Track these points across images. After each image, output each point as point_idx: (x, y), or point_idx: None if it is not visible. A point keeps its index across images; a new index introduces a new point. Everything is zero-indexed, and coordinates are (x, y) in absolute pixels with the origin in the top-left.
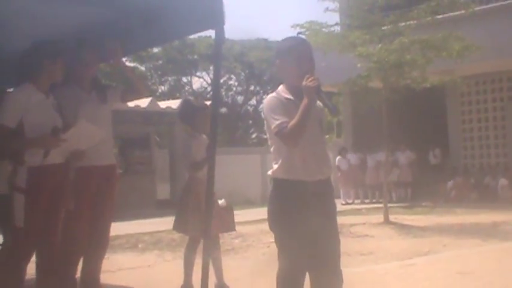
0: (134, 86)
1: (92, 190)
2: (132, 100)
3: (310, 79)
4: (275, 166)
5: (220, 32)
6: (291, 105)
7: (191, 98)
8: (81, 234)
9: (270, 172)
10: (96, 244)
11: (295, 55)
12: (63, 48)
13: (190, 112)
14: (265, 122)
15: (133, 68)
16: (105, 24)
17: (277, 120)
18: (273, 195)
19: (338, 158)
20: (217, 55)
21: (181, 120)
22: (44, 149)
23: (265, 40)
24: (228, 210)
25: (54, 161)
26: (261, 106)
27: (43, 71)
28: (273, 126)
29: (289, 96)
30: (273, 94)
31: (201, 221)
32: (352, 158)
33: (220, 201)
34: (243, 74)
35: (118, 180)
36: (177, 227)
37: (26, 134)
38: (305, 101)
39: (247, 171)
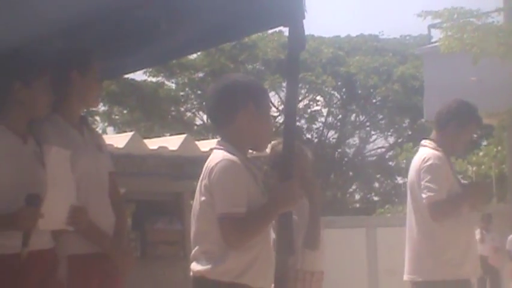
0: None
1: None
2: None
3: None
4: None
5: (296, 30)
6: None
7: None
8: None
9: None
10: None
11: None
12: (45, 62)
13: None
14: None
15: None
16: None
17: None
18: None
19: None
20: (292, 66)
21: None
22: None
23: (376, 37)
24: None
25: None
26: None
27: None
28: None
29: None
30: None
31: None
32: None
33: None
34: (337, 94)
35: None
36: None
37: None
38: None
39: (345, 253)
